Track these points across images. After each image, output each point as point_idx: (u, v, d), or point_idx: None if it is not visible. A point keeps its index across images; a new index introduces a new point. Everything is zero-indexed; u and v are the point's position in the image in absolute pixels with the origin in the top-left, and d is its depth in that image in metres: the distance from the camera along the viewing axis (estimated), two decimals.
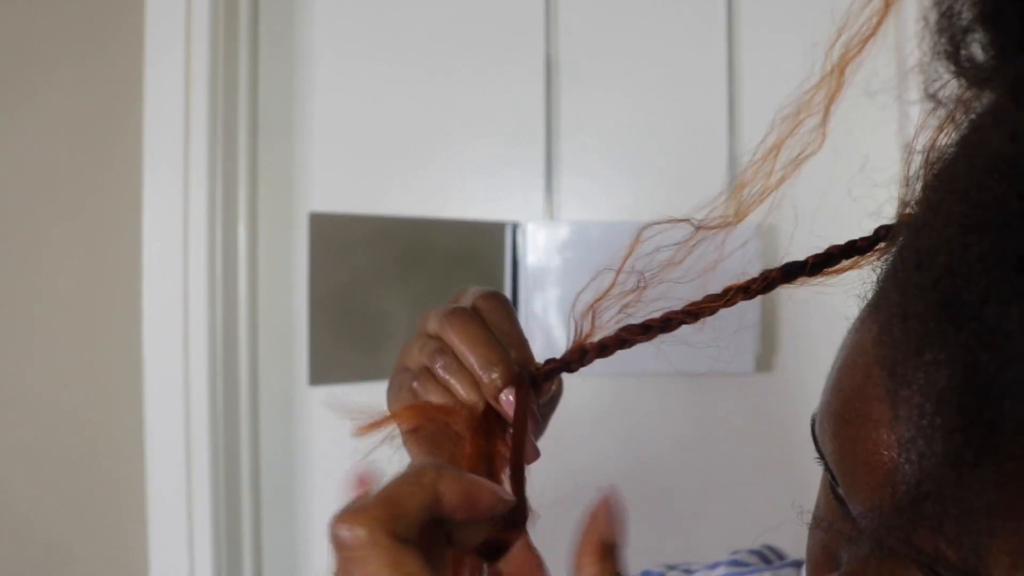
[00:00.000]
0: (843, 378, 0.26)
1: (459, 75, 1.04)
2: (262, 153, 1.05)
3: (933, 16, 0.23)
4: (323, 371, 1.02)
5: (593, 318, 0.34)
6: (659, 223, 0.33)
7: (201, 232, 0.96)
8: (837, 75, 0.28)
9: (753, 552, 0.50)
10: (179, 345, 0.96)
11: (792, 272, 0.32)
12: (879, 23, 0.25)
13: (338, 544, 0.24)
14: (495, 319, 0.36)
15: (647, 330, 0.33)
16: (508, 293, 1.02)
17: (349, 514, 0.24)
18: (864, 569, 0.26)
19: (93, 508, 1.01)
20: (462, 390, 0.35)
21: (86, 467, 1.01)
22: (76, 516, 1.01)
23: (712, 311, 0.33)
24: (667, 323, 0.33)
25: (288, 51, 1.05)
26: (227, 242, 1.00)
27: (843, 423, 0.26)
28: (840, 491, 0.27)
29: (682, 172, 1.01)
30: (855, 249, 0.31)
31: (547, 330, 0.98)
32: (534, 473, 0.36)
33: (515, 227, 1.01)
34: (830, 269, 0.32)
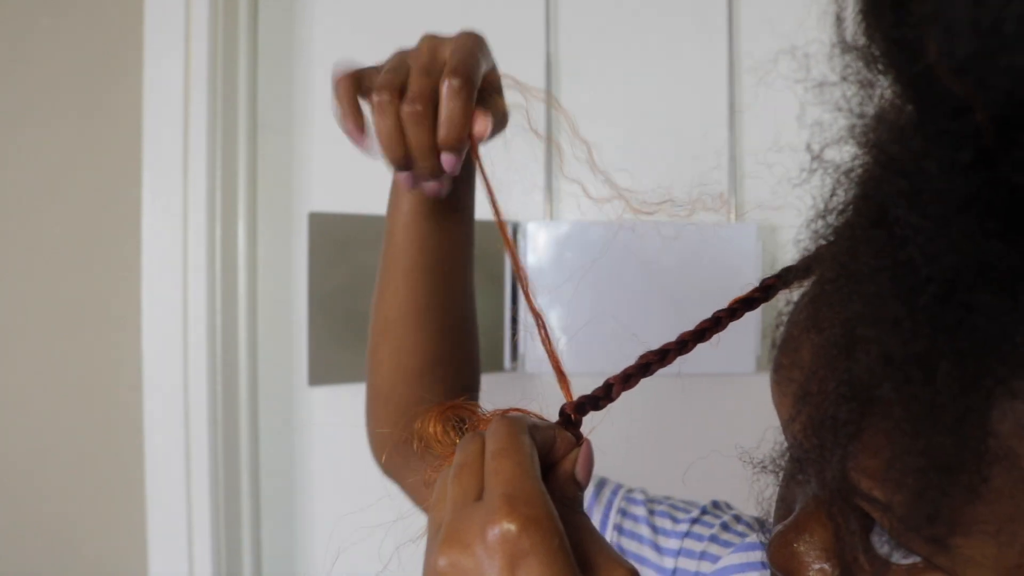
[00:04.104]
0: (785, 334, 0.31)
1: None
2: (262, 153, 1.05)
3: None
4: (323, 371, 1.02)
5: (541, 320, 0.37)
6: None
7: (201, 232, 0.96)
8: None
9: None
10: (179, 345, 0.96)
11: (788, 277, 0.33)
12: None
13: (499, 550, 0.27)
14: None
15: (664, 355, 0.35)
16: (507, 293, 1.02)
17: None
18: (807, 512, 0.30)
19: (93, 508, 1.01)
20: None
21: (86, 467, 1.01)
22: (76, 516, 1.01)
23: (722, 327, 0.35)
24: (682, 345, 0.35)
25: (288, 51, 1.05)
26: (227, 242, 1.00)
27: (776, 371, 0.30)
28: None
29: (682, 172, 1.01)
30: None
31: (547, 330, 0.98)
32: None
33: (515, 227, 1.01)
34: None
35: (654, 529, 0.51)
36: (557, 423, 0.34)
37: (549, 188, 1.02)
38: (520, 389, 1.11)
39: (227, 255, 1.00)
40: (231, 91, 1.00)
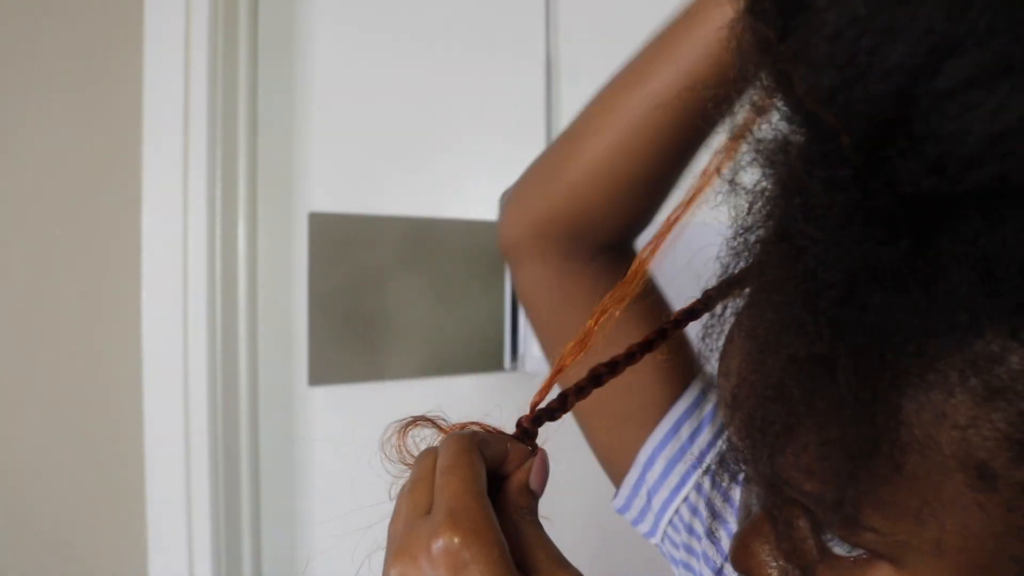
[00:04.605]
0: (724, 343, 0.33)
1: (459, 75, 1.03)
2: (262, 153, 1.05)
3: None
4: (323, 371, 1.02)
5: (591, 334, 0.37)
6: None
7: (201, 232, 0.96)
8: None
9: None
10: (179, 345, 0.96)
11: (726, 288, 0.34)
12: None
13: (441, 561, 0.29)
14: None
15: (614, 366, 0.36)
16: (508, 293, 1.02)
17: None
18: (762, 513, 0.32)
19: (93, 508, 1.01)
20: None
21: (86, 467, 1.01)
22: (75, 516, 1.01)
23: (667, 338, 0.37)
24: (631, 357, 0.36)
25: (288, 51, 1.05)
26: (227, 242, 1.00)
27: (719, 375, 0.32)
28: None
29: None
30: None
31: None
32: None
33: None
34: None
35: None
36: (511, 435, 0.36)
37: None
38: (520, 389, 1.12)
39: (227, 255, 1.00)
40: (231, 90, 1.01)
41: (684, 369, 0.52)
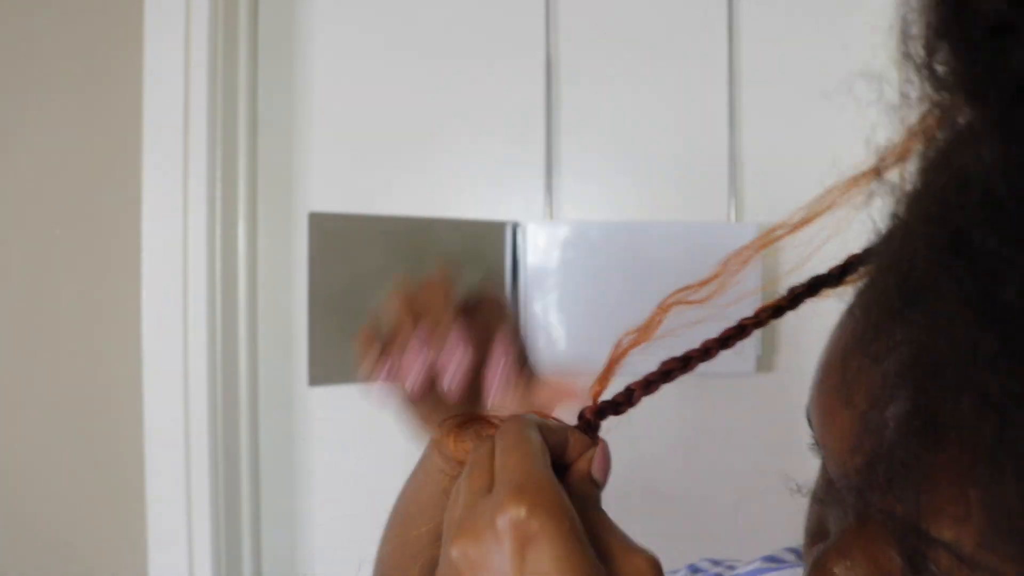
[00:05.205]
0: (826, 355, 0.29)
1: (459, 75, 1.03)
2: (262, 153, 1.05)
3: (900, 24, 0.25)
4: (323, 371, 1.02)
5: (622, 354, 0.34)
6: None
7: (201, 232, 0.96)
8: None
9: (789, 549, 0.51)
10: (179, 345, 0.96)
11: (817, 287, 0.32)
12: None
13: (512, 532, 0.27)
14: None
15: (687, 362, 0.34)
16: (507, 293, 1.02)
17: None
18: (848, 536, 0.29)
19: (93, 508, 1.01)
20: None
21: (86, 467, 1.01)
22: (75, 517, 1.01)
23: (746, 335, 0.34)
24: (706, 352, 0.34)
25: (288, 51, 1.05)
26: (227, 242, 1.00)
27: (823, 395, 0.29)
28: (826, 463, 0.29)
29: (682, 172, 1.01)
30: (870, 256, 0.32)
31: (547, 331, 0.98)
32: None
33: (515, 227, 1.01)
34: (853, 278, 0.32)
35: None
36: (572, 426, 0.35)
37: (549, 188, 1.02)
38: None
39: (227, 255, 1.00)
40: (231, 90, 1.01)
41: None
